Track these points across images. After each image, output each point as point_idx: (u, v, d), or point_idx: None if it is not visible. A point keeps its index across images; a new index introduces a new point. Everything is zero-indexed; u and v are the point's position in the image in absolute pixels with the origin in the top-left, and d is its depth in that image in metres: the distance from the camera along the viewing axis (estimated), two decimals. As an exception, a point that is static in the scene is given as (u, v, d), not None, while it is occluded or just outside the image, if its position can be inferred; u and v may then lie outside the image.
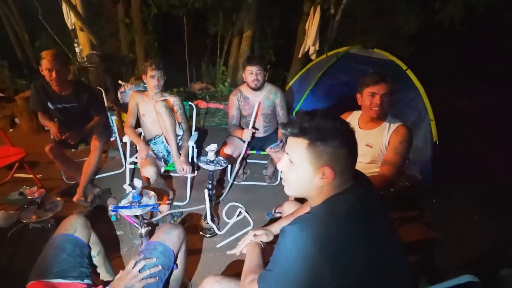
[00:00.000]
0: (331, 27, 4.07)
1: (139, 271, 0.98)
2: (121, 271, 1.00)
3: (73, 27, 3.47)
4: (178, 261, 1.19)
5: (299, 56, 4.10)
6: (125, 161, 2.24)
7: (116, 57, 4.00)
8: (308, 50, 3.86)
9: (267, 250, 1.06)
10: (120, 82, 2.99)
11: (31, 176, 2.27)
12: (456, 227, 2.12)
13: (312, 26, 3.68)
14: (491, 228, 2.11)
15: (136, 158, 2.03)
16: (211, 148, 1.67)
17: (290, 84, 3.75)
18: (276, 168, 2.54)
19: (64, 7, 3.36)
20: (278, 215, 2.05)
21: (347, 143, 0.75)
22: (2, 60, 4.25)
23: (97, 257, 1.30)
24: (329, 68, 3.15)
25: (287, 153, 0.81)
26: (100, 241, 1.31)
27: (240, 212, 2.06)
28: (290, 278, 0.72)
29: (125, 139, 2.14)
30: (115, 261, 1.66)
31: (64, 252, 1.07)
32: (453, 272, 1.00)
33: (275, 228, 1.13)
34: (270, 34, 5.06)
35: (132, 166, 2.15)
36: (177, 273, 1.20)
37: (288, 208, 1.33)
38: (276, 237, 0.88)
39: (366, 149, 1.61)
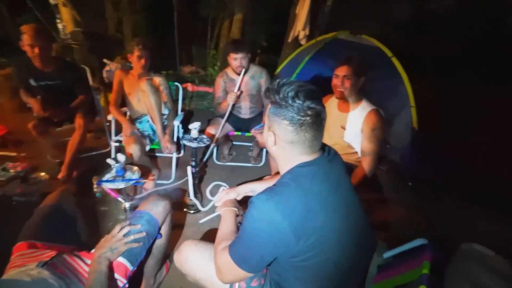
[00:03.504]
0: (323, 12, 4.05)
1: (124, 235, 1.03)
2: (106, 235, 1.05)
3: (56, 2, 3.35)
4: (162, 231, 1.25)
5: (289, 40, 4.08)
6: (111, 139, 2.25)
7: (102, 35, 3.89)
8: (298, 35, 3.85)
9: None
10: (105, 60, 2.95)
11: (14, 154, 2.25)
12: (426, 208, 2.25)
13: (302, 10, 3.65)
14: (459, 209, 2.24)
15: (121, 136, 2.05)
16: (194, 125, 1.70)
17: (279, 69, 3.76)
18: (261, 149, 2.61)
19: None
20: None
21: (300, 122, 0.76)
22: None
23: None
24: (317, 54, 3.18)
25: None
26: (83, 219, 1.35)
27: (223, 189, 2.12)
28: (258, 244, 0.78)
29: (110, 117, 2.15)
30: (100, 235, 1.71)
31: (50, 219, 1.12)
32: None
33: (243, 188, 1.21)
34: (263, 18, 5.00)
35: (117, 144, 2.16)
36: (160, 242, 1.27)
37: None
38: (245, 202, 0.93)
39: (341, 131, 1.68)
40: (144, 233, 1.07)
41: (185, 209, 1.96)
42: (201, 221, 1.84)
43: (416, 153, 2.56)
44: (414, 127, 2.54)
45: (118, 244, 0.99)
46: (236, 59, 2.06)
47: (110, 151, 2.42)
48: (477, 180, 2.63)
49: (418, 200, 2.33)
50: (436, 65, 5.35)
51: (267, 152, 2.61)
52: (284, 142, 0.81)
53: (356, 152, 1.72)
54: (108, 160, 1.39)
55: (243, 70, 2.09)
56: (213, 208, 1.23)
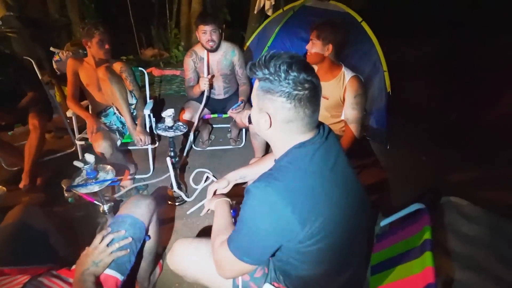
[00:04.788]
0: (286, -21, 3.85)
1: (108, 245, 0.93)
2: (87, 247, 0.94)
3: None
4: (150, 232, 1.16)
5: (255, 12, 3.87)
6: (74, 138, 2.03)
7: (43, 20, 3.39)
8: (264, 6, 3.66)
9: (236, 209, 1.06)
10: (52, 49, 2.59)
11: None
12: (407, 168, 2.35)
13: (266, -22, 3.44)
14: (435, 166, 2.37)
15: (85, 133, 1.85)
16: (168, 113, 1.56)
17: (248, 43, 3.58)
18: (240, 130, 2.52)
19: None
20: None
21: (298, 97, 0.68)
22: None
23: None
24: (286, 23, 3.04)
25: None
26: (57, 231, 1.21)
27: (207, 177, 2.04)
28: (260, 235, 0.72)
29: (70, 113, 1.92)
30: (81, 245, 1.57)
31: (15, 239, 0.99)
32: (406, 206, 1.12)
33: (232, 175, 1.14)
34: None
35: (82, 143, 1.96)
36: (150, 244, 1.18)
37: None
38: (241, 194, 0.86)
39: (323, 101, 1.64)
40: (130, 239, 0.98)
41: (169, 202, 1.87)
42: (188, 212, 1.79)
43: (391, 116, 2.62)
44: (388, 91, 2.57)
45: (102, 256, 0.89)
46: (206, 32, 1.89)
47: (76, 150, 2.20)
48: (444, 134, 2.78)
49: (398, 162, 2.41)
50: (397, 27, 5.48)
51: (246, 132, 2.53)
52: (281, 122, 0.72)
53: (340, 122, 1.70)
54: (76, 163, 1.24)
55: (205, 52, 1.95)
56: (201, 199, 1.16)
